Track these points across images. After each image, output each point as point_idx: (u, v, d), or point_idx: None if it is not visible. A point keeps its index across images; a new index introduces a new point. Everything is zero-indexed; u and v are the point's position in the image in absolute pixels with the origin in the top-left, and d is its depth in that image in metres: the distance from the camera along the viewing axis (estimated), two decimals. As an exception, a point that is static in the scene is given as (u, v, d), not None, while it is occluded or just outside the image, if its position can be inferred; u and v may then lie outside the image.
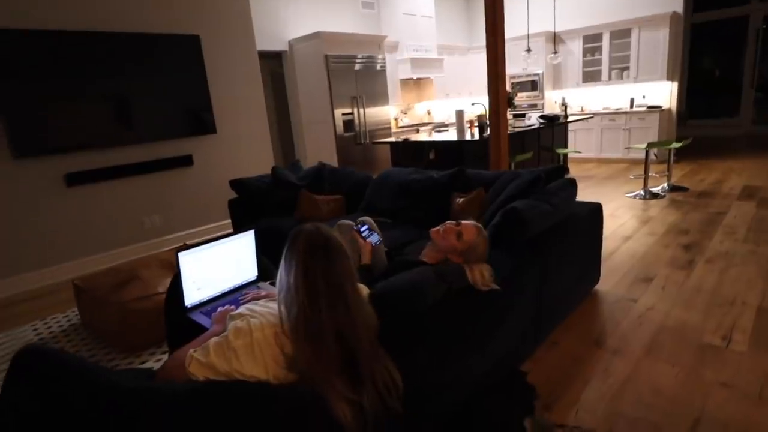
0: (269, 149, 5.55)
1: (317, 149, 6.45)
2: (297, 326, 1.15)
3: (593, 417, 1.77)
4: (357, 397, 1.13)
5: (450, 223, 1.84)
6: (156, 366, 2.40)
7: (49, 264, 3.98)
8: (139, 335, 2.56)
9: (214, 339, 1.20)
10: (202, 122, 4.80)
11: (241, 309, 1.31)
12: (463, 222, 1.83)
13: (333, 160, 6.12)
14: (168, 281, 2.77)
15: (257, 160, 5.32)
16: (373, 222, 2.38)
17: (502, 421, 1.56)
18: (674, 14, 6.98)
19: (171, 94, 4.52)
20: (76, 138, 3.99)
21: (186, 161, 4.75)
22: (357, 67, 6.39)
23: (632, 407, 1.82)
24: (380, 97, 6.81)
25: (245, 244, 1.90)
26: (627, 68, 7.48)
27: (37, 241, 3.90)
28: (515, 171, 2.86)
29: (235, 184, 3.82)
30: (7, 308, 3.50)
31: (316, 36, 5.96)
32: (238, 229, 3.96)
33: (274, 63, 6.65)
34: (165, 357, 2.48)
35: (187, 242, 4.60)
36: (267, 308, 1.29)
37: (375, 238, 2.07)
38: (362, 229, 2.10)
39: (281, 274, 1.22)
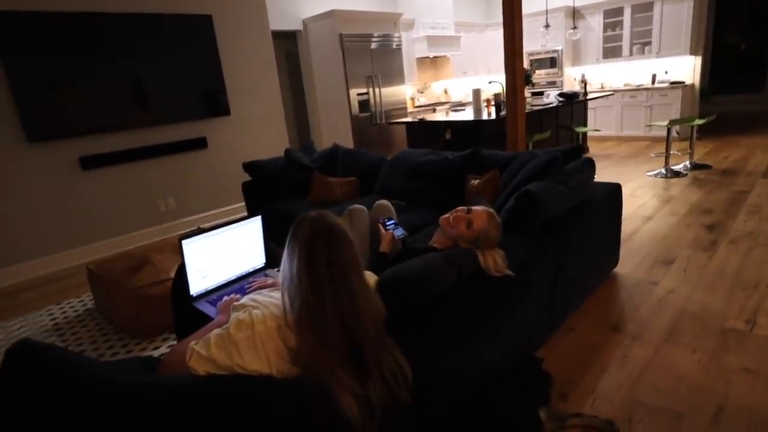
0: (284, 131, 5.51)
1: (332, 130, 6.39)
2: (300, 317, 1.13)
3: (611, 406, 1.73)
4: (363, 390, 1.10)
5: (460, 209, 1.78)
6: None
7: (65, 248, 4.04)
8: (151, 320, 2.57)
9: (216, 331, 1.17)
10: (215, 104, 4.77)
11: (245, 299, 1.28)
12: (474, 208, 1.76)
13: (348, 141, 6.07)
14: None
15: (271, 141, 5.29)
16: (390, 205, 2.34)
17: (515, 410, 1.53)
18: (700, -15, 6.67)
19: (184, 76, 4.50)
20: (91, 121, 4.00)
21: (200, 143, 4.75)
22: (372, 45, 6.27)
23: (652, 395, 1.77)
24: (396, 76, 6.69)
25: (252, 230, 1.87)
26: (649, 43, 7.21)
27: (53, 226, 3.95)
28: (531, 151, 2.78)
29: (248, 166, 3.80)
30: (23, 293, 3.56)
31: (331, 14, 5.85)
32: (251, 211, 4.00)
33: (288, 43, 6.56)
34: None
35: (201, 226, 4.63)
36: (271, 298, 1.26)
37: (399, 232, 2.05)
38: (388, 223, 2.09)
39: (284, 263, 1.19)
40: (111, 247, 4.24)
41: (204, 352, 1.12)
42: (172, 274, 2.71)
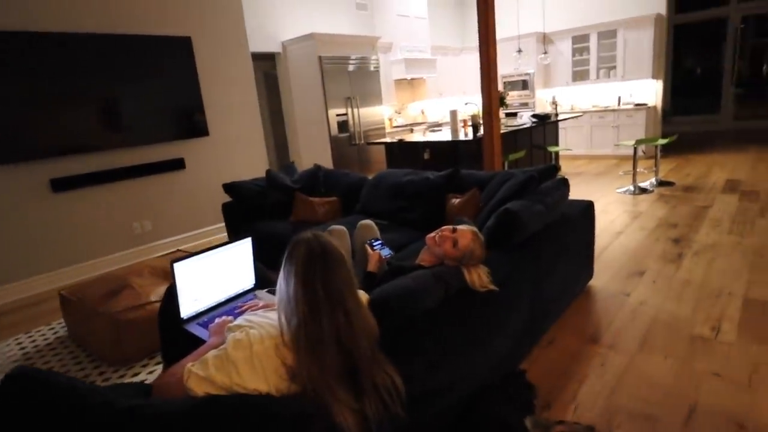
0: (263, 151, 5.54)
1: (312, 150, 6.46)
2: (298, 336, 1.15)
3: (592, 412, 1.82)
4: (359, 406, 1.14)
5: (446, 229, 1.85)
6: (149, 378, 2.35)
7: (34, 273, 3.90)
8: (131, 347, 2.50)
9: (213, 352, 1.18)
10: (194, 125, 4.78)
11: (240, 320, 1.30)
12: (459, 228, 1.84)
13: (327, 161, 6.14)
14: (162, 289, 2.72)
15: (251, 162, 5.32)
16: (373, 225, 2.40)
17: (503, 420, 1.60)
18: (658, 15, 7.11)
19: (162, 97, 4.49)
20: (62, 142, 3.92)
21: (177, 165, 4.72)
22: (351, 68, 6.41)
23: (629, 401, 1.87)
24: (374, 97, 6.83)
25: (242, 251, 1.88)
26: (614, 67, 7.60)
27: (22, 250, 3.81)
28: (509, 171, 2.90)
29: (229, 187, 3.82)
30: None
31: (310, 37, 5.97)
32: (232, 232, 4.00)
33: (267, 64, 6.64)
34: (158, 369, 2.43)
35: (181, 248, 4.60)
36: (266, 319, 1.28)
37: (386, 252, 2.11)
38: (375, 243, 2.15)
39: (280, 284, 1.22)
40: (83, 271, 4.13)
41: (202, 372, 1.13)
42: (153, 298, 2.68)
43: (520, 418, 1.66)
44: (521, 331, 2.09)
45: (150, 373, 2.43)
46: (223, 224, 4.20)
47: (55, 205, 3.98)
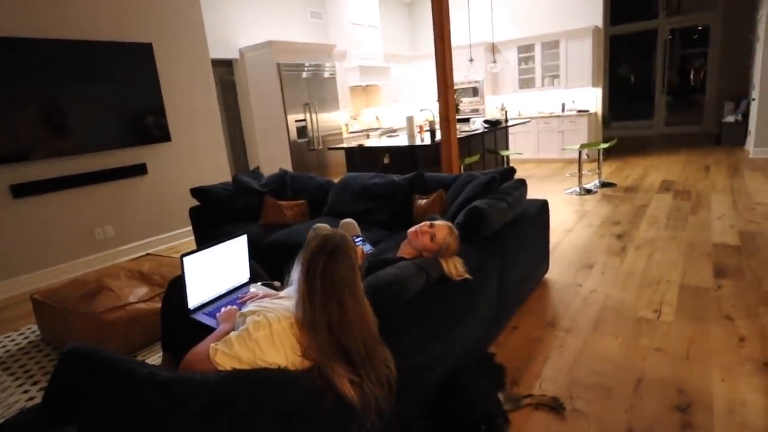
0: (225, 156, 5.54)
1: (271, 155, 6.49)
2: (298, 317, 1.30)
3: (555, 386, 2.04)
4: (359, 380, 1.27)
5: (425, 224, 2.03)
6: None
7: (-6, 281, 3.78)
8: (113, 346, 2.52)
9: (234, 333, 1.32)
10: (156, 130, 4.75)
11: (252, 306, 1.43)
12: (436, 223, 2.02)
13: (287, 166, 6.19)
14: (140, 291, 2.83)
15: (213, 167, 5.31)
16: (355, 223, 2.54)
17: (480, 394, 1.77)
18: (595, 28, 7.68)
19: (124, 103, 4.46)
20: (21, 148, 3.84)
21: (140, 170, 4.68)
22: (308, 75, 6.51)
23: (586, 375, 2.11)
24: (330, 103, 6.95)
25: (238, 247, 2.00)
26: (557, 76, 8.11)
27: (-19, 258, 3.69)
28: (471, 173, 3.11)
29: (196, 192, 3.83)
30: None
31: (268, 45, 6.03)
32: (199, 236, 4.00)
33: (223, 70, 6.62)
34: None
35: (150, 252, 4.52)
36: (276, 304, 1.42)
37: (368, 247, 2.26)
38: (357, 240, 2.31)
39: (294, 270, 1.36)
40: (44, 278, 4.04)
41: (228, 350, 1.27)
42: (132, 299, 2.74)
43: (493, 393, 1.84)
44: (490, 316, 2.29)
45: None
46: (189, 228, 4.19)
47: (15, 212, 3.88)
